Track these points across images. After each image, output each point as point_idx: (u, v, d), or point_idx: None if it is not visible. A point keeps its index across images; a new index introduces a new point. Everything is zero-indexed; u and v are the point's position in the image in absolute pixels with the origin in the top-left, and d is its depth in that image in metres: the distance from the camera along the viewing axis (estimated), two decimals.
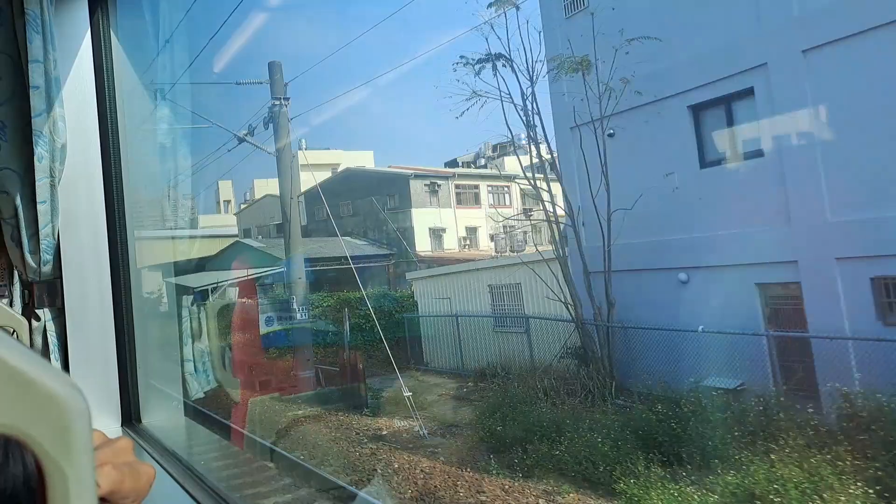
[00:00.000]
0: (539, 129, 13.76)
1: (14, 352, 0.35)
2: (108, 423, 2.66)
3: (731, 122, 11.36)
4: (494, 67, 13.64)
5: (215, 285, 26.91)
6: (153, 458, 2.39)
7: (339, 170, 49.56)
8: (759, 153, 10.90)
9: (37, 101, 2.30)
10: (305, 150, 55.91)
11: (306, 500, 8.38)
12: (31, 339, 2.48)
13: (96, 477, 0.50)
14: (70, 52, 2.60)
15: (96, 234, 2.69)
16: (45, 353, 2.48)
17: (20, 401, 0.35)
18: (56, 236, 2.47)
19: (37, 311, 2.53)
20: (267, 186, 54.97)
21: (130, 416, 2.76)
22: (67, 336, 2.57)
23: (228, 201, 62.53)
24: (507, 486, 8.53)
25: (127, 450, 0.70)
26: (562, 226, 13.43)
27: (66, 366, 2.54)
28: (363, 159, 55.50)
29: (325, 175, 48.98)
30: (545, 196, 13.27)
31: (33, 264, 2.44)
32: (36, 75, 2.28)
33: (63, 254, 2.54)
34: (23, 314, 2.55)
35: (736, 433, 8.16)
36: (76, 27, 2.64)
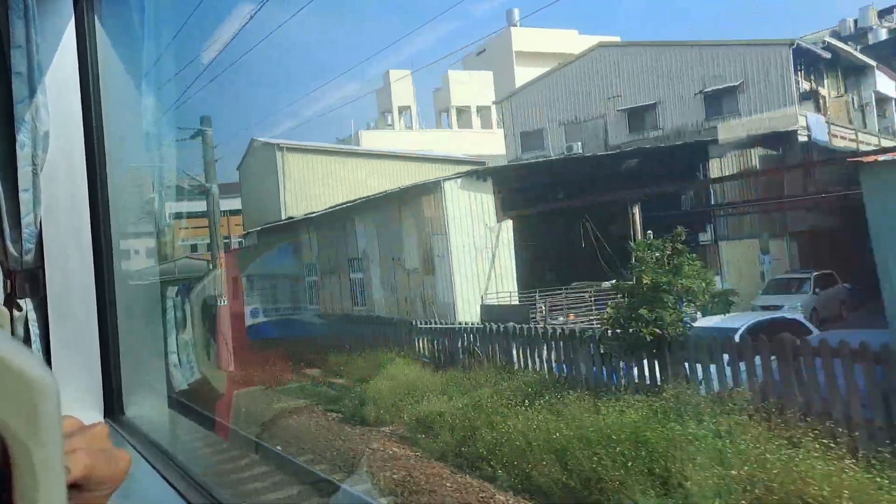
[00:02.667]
0: None
1: None
2: (91, 415, 2.62)
3: None
4: None
5: None
6: (136, 449, 2.37)
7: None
8: None
9: (19, 87, 2.26)
10: (519, 25, 37.94)
11: None
12: (12, 329, 2.45)
13: (68, 462, 0.49)
14: (53, 38, 2.56)
15: (79, 222, 2.65)
16: (27, 343, 2.44)
17: None
18: (38, 225, 2.43)
19: (18, 301, 2.49)
20: (470, 80, 39.09)
21: (113, 408, 2.73)
22: (49, 326, 2.54)
23: (408, 108, 42.80)
24: None
25: (102, 436, 0.69)
26: None
27: (47, 357, 2.50)
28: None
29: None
30: None
31: (15, 253, 2.41)
32: (18, 61, 2.25)
33: (45, 243, 2.50)
34: (4, 304, 2.52)
35: None
36: (60, 12, 2.60)
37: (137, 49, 3.22)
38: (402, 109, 42.98)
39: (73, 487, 0.57)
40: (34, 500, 0.36)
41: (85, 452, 0.60)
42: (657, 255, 10.13)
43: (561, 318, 15.66)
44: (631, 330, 9.81)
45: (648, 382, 9.70)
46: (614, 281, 14.36)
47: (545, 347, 12.03)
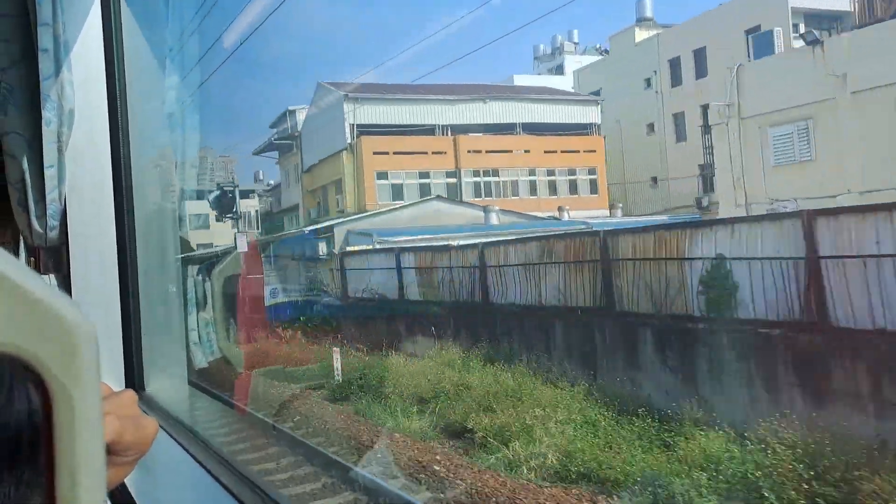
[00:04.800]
0: None
1: (19, 271, 0.34)
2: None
3: None
4: None
5: None
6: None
7: None
8: None
9: (45, 64, 2.28)
10: None
11: None
12: None
13: None
14: (79, 16, 2.57)
15: (102, 200, 2.68)
16: None
17: (26, 320, 0.34)
18: (63, 202, 2.46)
19: (42, 276, 2.52)
20: None
21: (134, 384, 2.77)
22: None
23: None
24: None
25: (131, 403, 0.70)
26: None
27: None
28: None
29: None
30: None
31: (39, 230, 2.44)
32: (45, 38, 2.26)
33: (69, 220, 2.53)
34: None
35: None
36: None
37: (162, 27, 3.24)
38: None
39: None
40: (74, 445, 0.36)
41: (115, 417, 0.62)
42: None
43: None
44: None
45: None
46: None
47: None
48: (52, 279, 2.54)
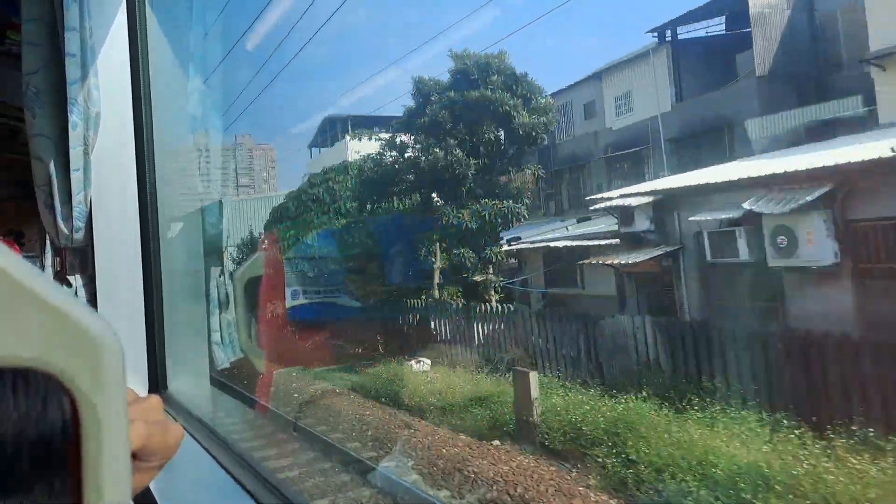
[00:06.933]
0: None
1: (47, 286, 0.35)
2: (135, 390, 2.68)
3: None
4: None
5: None
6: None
7: None
8: None
9: (72, 69, 2.31)
10: None
11: None
12: None
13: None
14: (105, 21, 2.60)
15: (127, 202, 2.71)
16: None
17: (52, 334, 0.35)
18: (89, 204, 2.49)
19: (68, 277, 2.56)
20: None
21: (157, 383, 2.80)
22: (97, 303, 2.60)
23: None
24: None
25: (157, 408, 0.71)
26: None
27: None
28: None
29: None
30: None
31: (66, 231, 2.47)
32: (72, 43, 2.30)
33: (95, 222, 2.56)
34: (55, 280, 2.58)
35: None
36: None
37: (187, 32, 3.27)
38: None
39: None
40: (100, 455, 0.36)
41: (142, 423, 0.62)
42: None
43: None
44: None
45: None
46: None
47: None
48: (77, 280, 2.58)
